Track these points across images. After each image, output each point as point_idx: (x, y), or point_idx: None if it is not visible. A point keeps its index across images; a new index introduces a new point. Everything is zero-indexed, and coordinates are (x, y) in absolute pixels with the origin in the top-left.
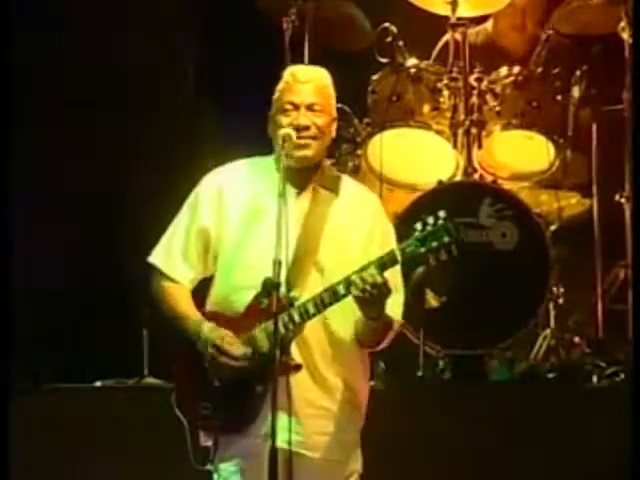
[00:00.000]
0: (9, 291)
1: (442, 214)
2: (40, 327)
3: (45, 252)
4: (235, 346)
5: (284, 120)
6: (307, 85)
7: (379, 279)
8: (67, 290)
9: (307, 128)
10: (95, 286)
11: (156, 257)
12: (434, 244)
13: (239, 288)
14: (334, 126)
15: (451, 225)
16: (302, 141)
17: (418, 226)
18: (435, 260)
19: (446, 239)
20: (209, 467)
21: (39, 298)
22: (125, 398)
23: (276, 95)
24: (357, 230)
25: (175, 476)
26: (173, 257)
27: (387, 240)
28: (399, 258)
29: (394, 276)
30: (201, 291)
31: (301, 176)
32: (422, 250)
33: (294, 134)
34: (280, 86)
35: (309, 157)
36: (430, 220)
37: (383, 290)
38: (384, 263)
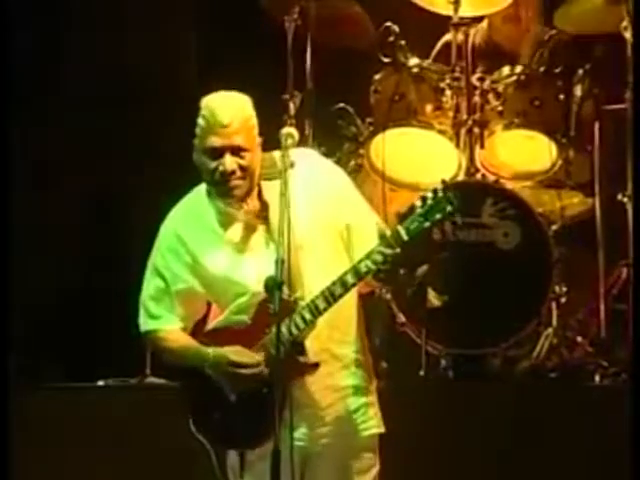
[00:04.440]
0: (10, 290)
1: (440, 186)
2: (41, 326)
3: (45, 252)
4: (249, 356)
5: (210, 164)
6: (230, 128)
7: (388, 262)
8: (68, 289)
9: (233, 172)
10: (96, 285)
11: (146, 325)
12: (438, 216)
13: (244, 308)
14: (259, 151)
15: (451, 194)
16: (230, 184)
17: (418, 202)
18: (441, 233)
19: (449, 208)
20: None
21: (40, 297)
22: (127, 397)
23: (197, 131)
24: (319, 197)
25: (176, 475)
26: (158, 316)
27: (346, 182)
28: (405, 237)
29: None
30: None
31: (241, 198)
32: (427, 224)
33: (296, 134)
34: (200, 122)
35: (238, 195)
36: (429, 195)
37: (395, 265)
38: (389, 244)
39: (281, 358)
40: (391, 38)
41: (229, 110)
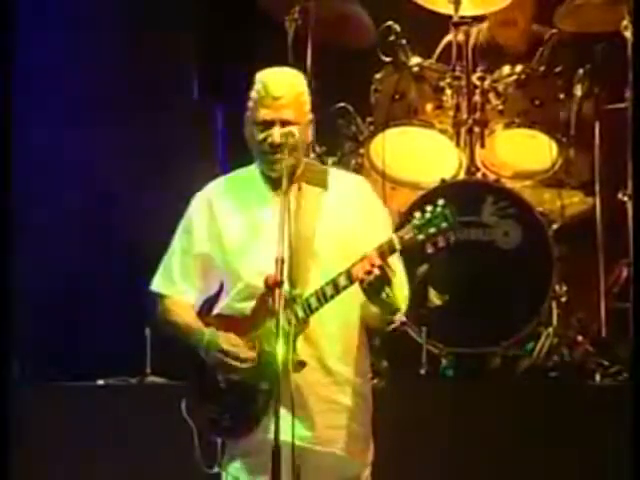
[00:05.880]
0: (9, 290)
1: (441, 202)
2: (42, 326)
3: (45, 252)
4: (241, 348)
5: (259, 135)
6: (281, 101)
7: (377, 269)
8: (69, 289)
9: (281, 144)
10: (97, 285)
11: (157, 285)
12: (432, 230)
13: (245, 297)
14: (310, 129)
15: (449, 211)
16: (277, 156)
17: (417, 214)
18: (433, 247)
19: (443, 225)
20: (217, 470)
21: (40, 297)
22: (127, 396)
23: (250, 103)
24: (351, 219)
25: (177, 475)
26: (174, 281)
27: (384, 223)
28: (397, 246)
29: (394, 258)
30: (210, 299)
31: (282, 181)
32: (420, 237)
33: (296, 133)
34: (253, 95)
35: (287, 168)
36: (429, 208)
37: (384, 277)
38: (383, 251)
39: (274, 353)
40: (392, 37)
41: (281, 83)
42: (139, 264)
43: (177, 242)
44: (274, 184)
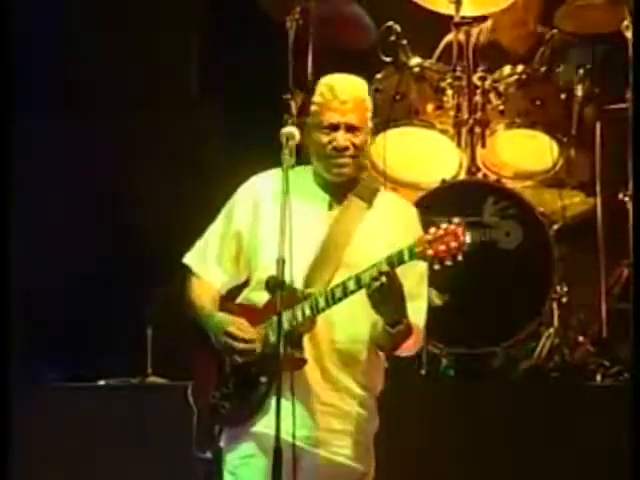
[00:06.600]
0: (9, 291)
1: (456, 220)
2: (42, 326)
3: (45, 252)
4: (246, 332)
5: (323, 139)
6: (347, 105)
7: (384, 276)
8: (69, 289)
9: (346, 149)
10: (97, 285)
11: (190, 259)
12: (441, 247)
13: (259, 289)
14: (370, 137)
15: (461, 231)
16: (341, 160)
17: (432, 229)
18: (439, 264)
19: (453, 244)
20: (209, 455)
21: (40, 297)
22: (128, 397)
23: (313, 108)
24: (385, 241)
25: (177, 474)
26: (207, 260)
27: None
28: (406, 258)
29: (418, 283)
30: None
31: (338, 187)
32: (429, 252)
33: (297, 134)
34: (317, 99)
35: (347, 174)
36: (443, 225)
37: (391, 286)
38: (391, 261)
39: (277, 347)
40: (392, 37)
41: (348, 88)
42: (140, 263)
43: (216, 226)
44: (326, 188)
